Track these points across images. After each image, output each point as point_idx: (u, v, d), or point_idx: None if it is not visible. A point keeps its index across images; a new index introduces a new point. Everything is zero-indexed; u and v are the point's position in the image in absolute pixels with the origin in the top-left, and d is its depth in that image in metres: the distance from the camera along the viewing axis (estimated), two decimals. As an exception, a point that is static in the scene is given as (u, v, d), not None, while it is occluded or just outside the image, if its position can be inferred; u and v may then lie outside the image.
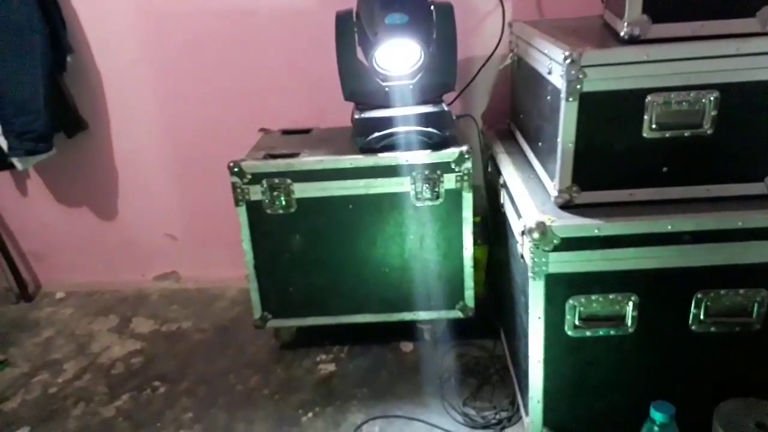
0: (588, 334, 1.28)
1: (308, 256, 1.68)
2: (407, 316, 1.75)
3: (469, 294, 1.72)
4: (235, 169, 1.61)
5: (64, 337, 2.02)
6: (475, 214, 1.65)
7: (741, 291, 1.22)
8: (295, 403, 1.61)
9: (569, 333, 1.28)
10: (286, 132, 1.91)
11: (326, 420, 1.55)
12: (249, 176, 1.61)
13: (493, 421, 1.49)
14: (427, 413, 1.54)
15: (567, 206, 1.27)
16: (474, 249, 1.68)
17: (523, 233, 1.26)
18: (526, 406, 1.42)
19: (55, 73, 1.93)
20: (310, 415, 1.57)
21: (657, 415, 1.16)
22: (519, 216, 1.32)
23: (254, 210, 1.64)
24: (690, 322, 1.25)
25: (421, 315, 1.75)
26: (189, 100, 2.02)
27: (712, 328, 1.25)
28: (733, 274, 1.22)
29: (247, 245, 1.68)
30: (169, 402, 1.66)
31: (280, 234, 1.67)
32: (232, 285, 2.23)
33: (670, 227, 1.18)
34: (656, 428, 1.17)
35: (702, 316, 1.24)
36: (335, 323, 1.77)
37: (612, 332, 1.27)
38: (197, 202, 2.16)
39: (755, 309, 1.23)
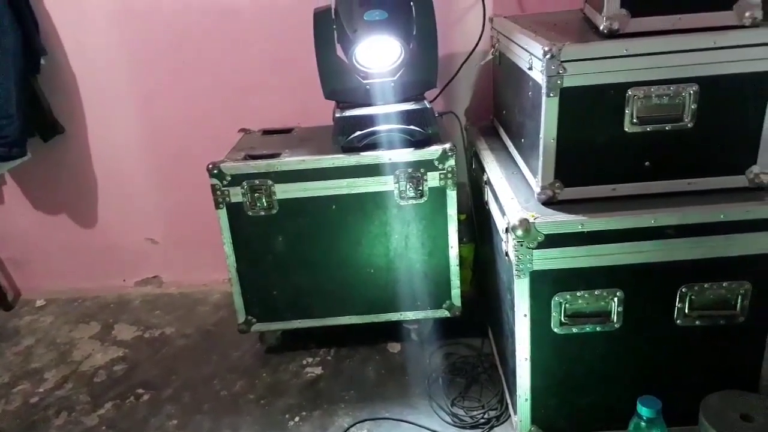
0: (574, 330, 1.27)
1: (291, 258, 1.66)
2: (393, 316, 1.74)
3: (456, 293, 1.71)
4: (215, 171, 1.58)
5: (45, 346, 1.98)
6: (460, 212, 1.64)
7: (724, 284, 1.22)
8: (281, 408, 1.59)
9: (556, 330, 1.27)
10: (267, 132, 1.89)
11: (313, 424, 1.53)
12: (229, 178, 1.59)
13: (482, 421, 1.49)
14: (416, 414, 1.53)
15: (550, 202, 1.26)
16: (460, 247, 1.66)
17: (507, 230, 1.25)
18: (514, 404, 1.41)
19: (28, 76, 1.89)
20: (296, 419, 1.55)
21: (644, 411, 1.16)
22: (503, 213, 1.31)
23: (235, 212, 1.62)
24: (675, 316, 1.25)
25: (408, 315, 1.74)
26: (167, 100, 1.99)
27: (697, 322, 1.25)
28: (717, 267, 1.22)
29: (228, 248, 1.65)
30: (153, 409, 1.63)
31: (262, 236, 1.64)
32: (215, 289, 2.20)
33: (653, 221, 1.18)
34: (643, 423, 1.17)
35: (687, 310, 1.24)
36: (321, 325, 1.75)
37: (598, 328, 1.27)
38: (178, 205, 2.13)
39: (739, 302, 1.23)
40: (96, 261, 2.23)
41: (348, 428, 1.50)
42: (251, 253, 1.66)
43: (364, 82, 1.59)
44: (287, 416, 1.56)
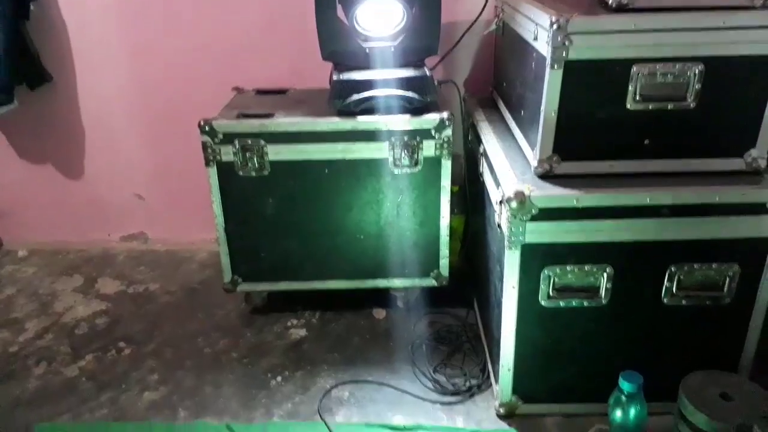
0: (561, 304, 1.28)
1: (281, 220, 1.65)
2: (381, 283, 1.74)
3: (444, 263, 1.71)
4: (206, 128, 1.55)
5: (26, 296, 1.95)
6: (453, 184, 1.63)
7: (714, 265, 1.23)
8: (264, 367, 1.60)
9: (543, 303, 1.28)
10: (261, 92, 1.85)
11: (296, 384, 1.53)
12: (221, 136, 1.56)
13: (463, 389, 1.50)
14: (398, 379, 1.54)
15: (546, 176, 1.26)
16: (451, 218, 1.66)
17: (501, 202, 1.25)
18: (496, 374, 1.42)
19: (17, 21, 1.83)
20: (279, 379, 1.55)
21: (625, 385, 1.18)
22: (498, 185, 1.30)
23: (225, 171, 1.59)
24: (662, 295, 1.26)
25: (395, 282, 1.74)
26: (160, 54, 1.94)
27: (684, 302, 1.26)
28: (707, 248, 1.23)
29: (217, 207, 1.63)
30: (134, 363, 1.63)
31: (252, 197, 1.62)
32: (201, 248, 2.19)
33: (648, 200, 1.18)
34: (624, 398, 1.19)
35: (674, 290, 1.25)
36: (307, 289, 1.75)
37: (585, 303, 1.28)
38: (167, 162, 2.09)
39: (726, 283, 1.25)
40: (81, 214, 2.20)
41: (330, 389, 1.51)
42: (240, 213, 1.65)
43: (364, 45, 1.56)
44: (269, 375, 1.56)
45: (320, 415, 1.43)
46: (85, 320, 1.82)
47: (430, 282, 1.73)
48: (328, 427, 1.38)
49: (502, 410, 1.40)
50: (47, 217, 2.22)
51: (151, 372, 1.59)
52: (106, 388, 1.54)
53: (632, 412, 1.17)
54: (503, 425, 1.39)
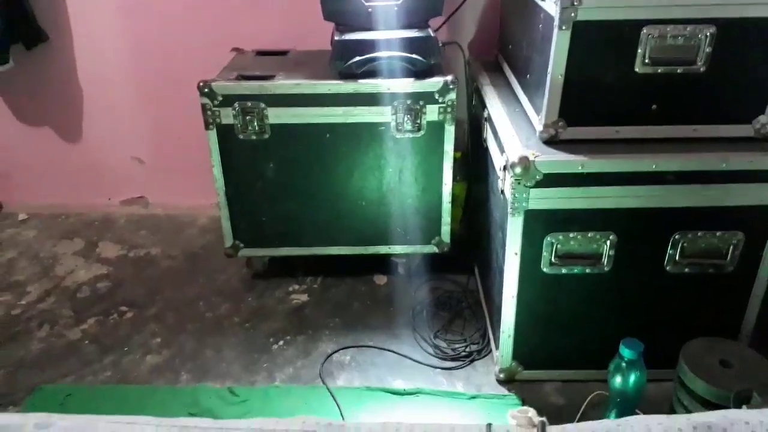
0: (564, 271, 1.27)
1: (282, 185, 1.63)
2: (382, 249, 1.73)
3: (446, 229, 1.70)
4: (206, 90, 1.53)
5: (28, 259, 1.95)
6: (456, 150, 1.61)
7: (718, 233, 1.22)
8: (265, 332, 1.60)
9: (545, 270, 1.27)
10: (261, 53, 1.82)
11: (297, 348, 1.54)
12: (220, 98, 1.53)
13: (463, 354, 1.51)
14: (398, 344, 1.54)
15: (552, 141, 1.23)
16: (453, 185, 1.64)
17: (505, 168, 1.23)
18: (496, 340, 1.43)
19: (10, -22, 1.79)
20: (281, 343, 1.56)
21: (626, 352, 1.18)
22: (502, 150, 1.28)
23: (225, 134, 1.57)
24: (665, 262, 1.25)
25: (397, 249, 1.74)
26: (157, 13, 1.90)
27: (686, 269, 1.26)
28: (712, 216, 1.21)
29: (217, 171, 1.62)
30: (136, 327, 1.63)
31: (252, 161, 1.60)
32: (202, 212, 2.18)
33: (654, 166, 1.16)
34: (624, 364, 1.19)
35: (677, 257, 1.25)
36: (309, 255, 1.74)
37: (588, 270, 1.27)
38: (166, 125, 2.07)
39: (730, 251, 1.24)
40: (80, 177, 2.18)
41: (331, 354, 1.52)
42: (241, 177, 1.63)
43: (366, 4, 1.52)
44: (271, 340, 1.57)
45: (322, 379, 1.44)
46: (87, 284, 1.82)
47: (432, 249, 1.73)
48: (330, 391, 1.39)
49: (502, 376, 1.40)
50: (46, 179, 2.20)
51: (153, 336, 1.60)
52: (109, 351, 1.55)
53: (632, 378, 1.18)
54: (503, 390, 1.40)
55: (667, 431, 0.50)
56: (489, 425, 0.56)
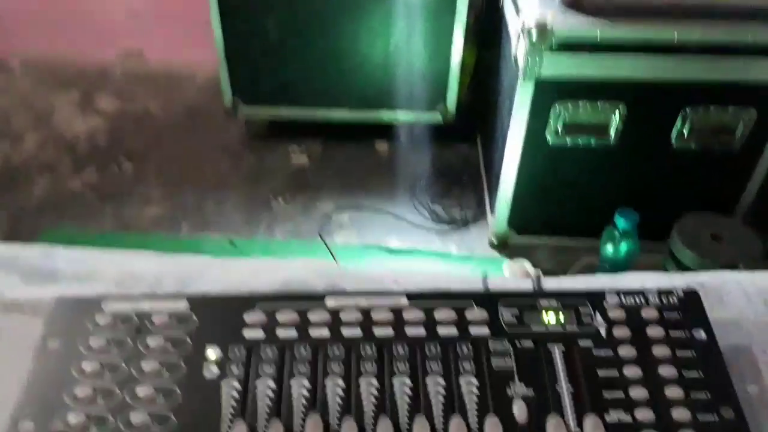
0: (568, 142, 1.26)
1: (284, 42, 1.56)
2: (385, 115, 1.70)
3: (452, 97, 1.65)
4: (206, -70, 1.41)
5: (23, 109, 1.92)
6: (468, 12, 1.52)
7: (730, 109, 1.20)
8: (265, 190, 1.62)
9: (550, 140, 1.26)
10: None
11: (297, 207, 1.56)
12: (220, -57, 1.42)
13: (458, 219, 1.54)
14: (396, 208, 1.57)
15: (571, 6, 1.17)
16: (463, 50, 1.58)
17: (521, 32, 1.17)
18: (493, 206, 1.45)
19: None
20: (280, 200, 1.58)
21: (621, 222, 1.20)
22: (518, 12, 1.22)
23: (225, -16, 1.48)
24: (673, 137, 1.24)
25: (399, 115, 1.70)
26: None
27: (693, 145, 1.24)
28: (727, 91, 1.18)
29: (216, 25, 1.54)
30: (137, 179, 1.64)
31: (254, 15, 1.52)
32: (201, 69, 2.10)
33: (676, 35, 1.11)
34: (617, 234, 1.21)
35: (686, 132, 1.23)
36: (309, 117, 1.71)
37: (593, 142, 1.26)
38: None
39: (740, 128, 1.22)
40: (74, 27, 2.08)
41: (330, 213, 1.54)
42: (241, 32, 1.55)
43: None
44: (271, 197, 1.59)
45: (320, 236, 1.47)
46: (85, 135, 1.80)
47: (436, 117, 1.69)
48: (328, 248, 1.43)
49: (495, 240, 1.44)
50: (40, 29, 2.09)
51: (154, 188, 1.61)
52: (110, 201, 1.57)
53: (623, 248, 1.21)
54: (494, 253, 1.44)
55: (662, 285, 0.52)
56: (485, 275, 0.57)
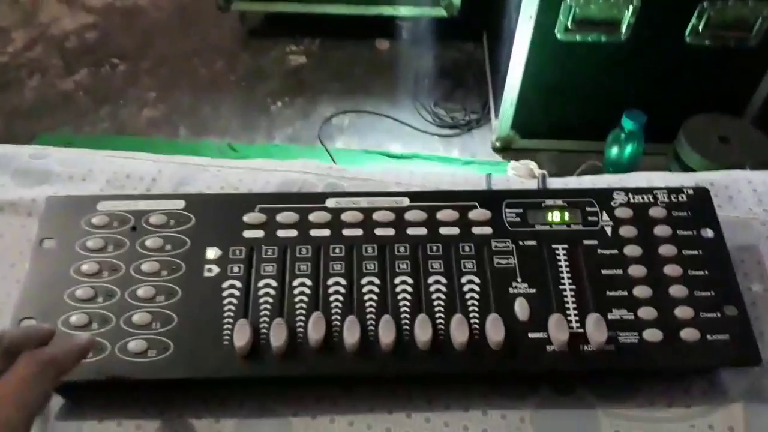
0: (578, 38, 1.20)
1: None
2: (386, 10, 1.61)
3: (456, -11, 1.57)
4: None
5: (8, 4, 1.83)
6: None
7: (750, 3, 1.13)
8: (263, 92, 1.57)
9: (559, 36, 1.20)
10: None
11: (295, 110, 1.53)
12: None
13: (462, 122, 1.50)
14: (398, 111, 1.53)
15: None
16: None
17: None
18: (497, 109, 1.41)
19: None
20: (279, 104, 1.54)
21: (627, 123, 1.17)
22: None
23: None
24: (687, 33, 1.18)
25: (401, 11, 1.62)
26: None
27: (707, 41, 1.19)
28: (749, -18, 1.11)
29: None
30: (130, 80, 1.59)
31: None
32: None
33: None
34: (623, 135, 1.19)
35: (700, 28, 1.17)
36: (307, 12, 1.63)
37: (603, 39, 1.20)
38: None
39: (757, 24, 1.16)
40: None
41: (330, 117, 1.51)
42: None
43: None
44: (269, 100, 1.55)
45: (320, 141, 1.45)
46: (74, 33, 1.73)
47: (440, 12, 1.61)
48: (328, 152, 1.41)
49: (498, 144, 1.41)
50: None
51: (148, 90, 1.57)
52: (104, 103, 1.53)
53: (629, 149, 1.19)
54: (497, 158, 1.42)
55: (669, 183, 0.50)
56: (489, 174, 0.56)
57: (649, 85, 1.27)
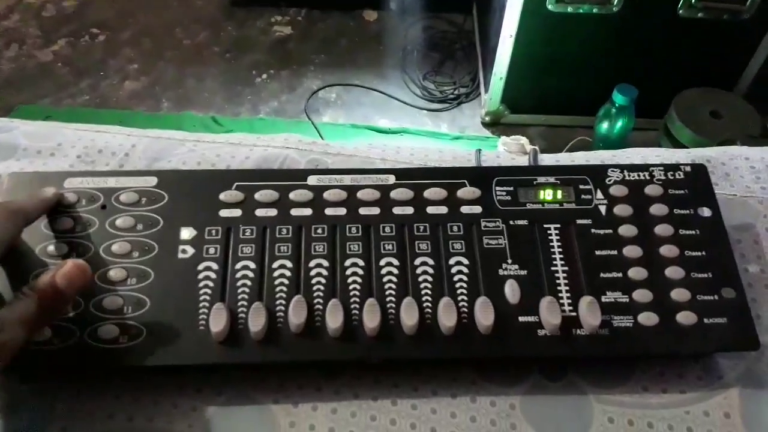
0: (569, 10, 1.18)
1: None
2: (373, -21, 1.58)
3: (445, -41, 1.53)
4: None
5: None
6: None
7: (746, -26, 1.11)
8: (248, 64, 1.53)
9: (550, 7, 1.17)
10: None
11: (281, 83, 1.49)
12: None
13: (451, 96, 1.48)
14: (386, 84, 1.50)
15: None
16: None
17: None
18: (487, 83, 1.38)
19: None
20: (264, 76, 1.50)
21: (618, 97, 1.15)
22: None
23: None
24: (679, 5, 1.16)
25: (389, -20, 1.58)
26: None
27: (700, 14, 1.17)
28: (745, -48, 1.09)
29: None
30: (111, 51, 1.54)
31: None
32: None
33: None
34: (614, 110, 1.17)
35: (693, 0, 1.14)
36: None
37: (595, 10, 1.17)
38: None
39: (752, -4, 1.14)
40: None
41: (316, 90, 1.47)
42: None
43: None
44: (254, 72, 1.51)
45: (307, 115, 1.42)
46: (51, 2, 1.67)
47: (428, -19, 1.58)
48: (315, 126, 1.38)
49: (487, 119, 1.39)
50: None
51: (130, 61, 1.52)
52: (84, 75, 1.48)
53: (619, 124, 1.17)
54: (486, 133, 1.40)
55: (664, 160, 0.49)
56: (478, 150, 0.54)
57: (640, 59, 1.25)
